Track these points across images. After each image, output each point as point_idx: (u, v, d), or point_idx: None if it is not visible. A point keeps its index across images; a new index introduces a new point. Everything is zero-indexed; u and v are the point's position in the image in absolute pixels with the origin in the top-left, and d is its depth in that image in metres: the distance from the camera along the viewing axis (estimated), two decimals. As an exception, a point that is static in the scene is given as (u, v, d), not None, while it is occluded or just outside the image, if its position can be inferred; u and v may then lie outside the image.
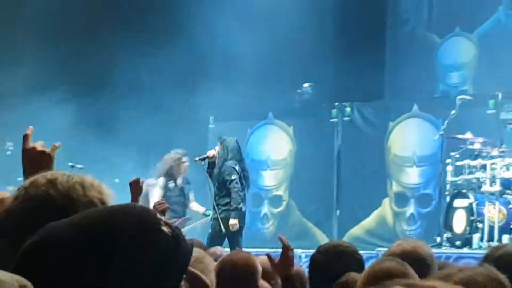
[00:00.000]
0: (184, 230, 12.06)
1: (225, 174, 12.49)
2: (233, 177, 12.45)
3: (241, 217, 11.87)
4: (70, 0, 16.87)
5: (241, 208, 11.79)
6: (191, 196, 13.28)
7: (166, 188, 12.89)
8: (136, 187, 5.86)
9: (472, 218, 11.60)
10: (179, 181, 13.10)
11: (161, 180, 12.88)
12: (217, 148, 12.79)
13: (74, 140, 15.15)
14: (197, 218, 13.18)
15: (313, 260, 4.70)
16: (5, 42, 16.84)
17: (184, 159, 13.15)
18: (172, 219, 12.01)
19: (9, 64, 16.14)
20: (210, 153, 12.85)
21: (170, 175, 12.86)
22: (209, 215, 12.72)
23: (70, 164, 13.05)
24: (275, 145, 16.36)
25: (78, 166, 13.01)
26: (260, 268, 4.61)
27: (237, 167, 12.57)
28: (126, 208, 1.69)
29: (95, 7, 16.99)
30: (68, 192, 2.22)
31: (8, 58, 16.52)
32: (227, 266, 4.48)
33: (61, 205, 2.17)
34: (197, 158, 13.10)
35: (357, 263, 4.41)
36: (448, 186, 12.64)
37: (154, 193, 12.90)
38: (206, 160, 12.87)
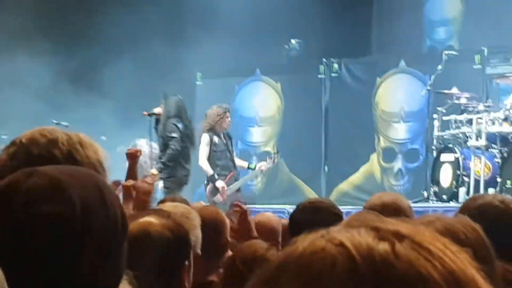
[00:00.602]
0: (237, 184, 12.17)
1: (167, 131, 12.60)
2: (173, 135, 12.53)
3: (181, 175, 12.01)
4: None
5: (170, 165, 11.83)
6: (234, 151, 13.19)
7: (211, 143, 12.65)
8: (133, 158, 6.04)
9: (458, 172, 11.66)
10: (222, 136, 12.91)
11: (206, 137, 12.62)
12: (163, 105, 13.00)
13: (57, 96, 15.24)
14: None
15: (291, 218, 4.72)
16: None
17: (228, 114, 12.99)
18: (221, 175, 12.26)
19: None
20: (157, 110, 12.92)
21: (213, 130, 12.60)
22: (254, 168, 12.86)
23: (54, 121, 12.86)
24: (263, 101, 16.39)
25: (63, 123, 12.73)
26: (228, 224, 4.65)
27: (179, 125, 12.65)
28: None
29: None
30: (70, 152, 2.20)
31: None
32: None
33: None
34: (145, 113, 13.16)
35: (335, 218, 4.39)
36: (435, 141, 12.71)
37: (200, 151, 12.70)
38: (153, 117, 12.97)
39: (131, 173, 5.96)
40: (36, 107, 14.97)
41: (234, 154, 13.02)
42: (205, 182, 12.74)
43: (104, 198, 1.66)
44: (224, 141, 12.71)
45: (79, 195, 1.61)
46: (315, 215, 4.59)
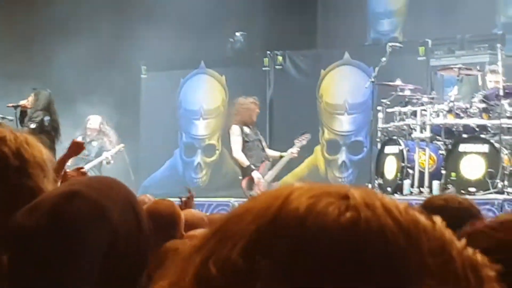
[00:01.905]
0: (271, 174, 12.22)
1: (33, 123, 12.61)
2: (31, 126, 12.55)
3: None
4: None
5: None
6: (263, 142, 13.24)
7: (243, 134, 12.73)
8: (76, 149, 6.04)
9: (403, 164, 11.75)
10: (252, 127, 13.04)
11: (237, 129, 12.71)
12: (30, 98, 12.92)
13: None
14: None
15: None
16: None
17: (258, 106, 13.11)
18: (254, 166, 12.41)
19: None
20: (22, 102, 12.89)
21: (243, 122, 12.71)
22: (284, 155, 12.85)
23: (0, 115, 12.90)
24: (207, 94, 16.51)
25: (9, 118, 12.86)
26: (183, 217, 4.63)
27: (46, 118, 12.70)
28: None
29: None
30: (19, 150, 2.21)
31: None
32: (151, 214, 4.43)
33: (16, 165, 2.18)
34: (10, 105, 13.06)
35: None
36: (379, 133, 12.77)
37: (233, 143, 12.81)
38: (19, 109, 12.91)
39: (67, 157, 5.91)
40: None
41: (264, 144, 13.08)
42: (240, 175, 12.78)
43: (139, 218, 1.76)
44: (254, 131, 12.84)
45: (119, 219, 1.69)
46: None
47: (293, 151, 12.74)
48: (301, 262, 0.83)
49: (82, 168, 5.69)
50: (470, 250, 0.89)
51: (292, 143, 12.91)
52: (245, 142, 12.63)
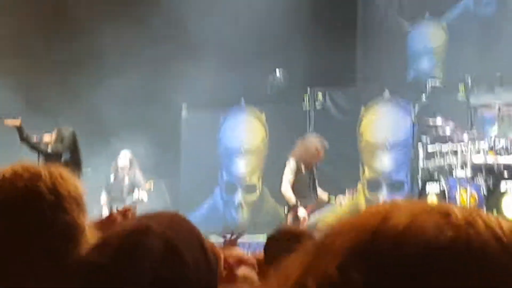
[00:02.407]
0: (315, 218, 11.68)
1: (50, 158, 12.47)
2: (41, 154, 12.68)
3: None
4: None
5: None
6: (316, 181, 12.73)
7: (297, 170, 12.23)
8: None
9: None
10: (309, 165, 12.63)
11: (293, 163, 12.24)
12: (53, 135, 12.81)
13: (47, 116, 14.59)
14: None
15: (266, 249, 4.56)
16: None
17: (323, 151, 12.53)
18: (301, 201, 11.91)
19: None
20: (46, 139, 12.85)
21: (303, 159, 12.21)
22: (333, 202, 12.47)
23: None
24: (247, 132, 16.41)
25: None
26: (221, 257, 4.67)
27: (64, 155, 12.63)
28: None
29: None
30: (54, 186, 2.21)
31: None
32: None
33: (52, 200, 2.16)
34: (7, 122, 12.96)
35: None
36: (420, 172, 12.63)
37: (285, 175, 12.41)
38: (46, 145, 12.90)
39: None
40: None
41: (317, 183, 12.61)
42: (286, 210, 12.44)
43: (207, 254, 1.76)
44: (309, 170, 12.41)
45: (190, 255, 1.69)
46: (292, 244, 4.19)
47: (343, 201, 12.40)
48: (393, 280, 0.82)
49: (128, 209, 5.52)
50: None
51: (333, 182, 12.74)
52: (297, 179, 12.17)
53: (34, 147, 12.82)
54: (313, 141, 12.31)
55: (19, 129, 12.83)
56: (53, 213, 2.15)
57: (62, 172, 2.30)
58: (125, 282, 1.64)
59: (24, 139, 12.82)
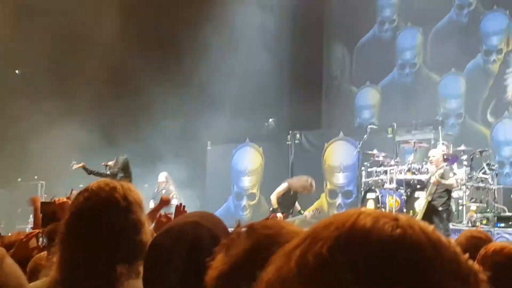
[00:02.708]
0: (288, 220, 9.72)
1: (109, 177, 11.40)
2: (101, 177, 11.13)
3: None
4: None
5: None
6: (297, 202, 11.44)
7: (286, 193, 11.14)
8: (165, 202, 5.23)
9: (378, 205, 11.38)
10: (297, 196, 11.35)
11: (285, 186, 11.13)
12: (113, 161, 12.27)
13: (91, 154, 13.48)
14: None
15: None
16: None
17: (312, 190, 11.32)
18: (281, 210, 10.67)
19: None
20: (110, 163, 12.29)
21: (294, 189, 11.09)
22: (302, 213, 11.22)
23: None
24: (250, 159, 15.89)
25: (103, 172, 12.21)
26: None
27: (119, 175, 11.87)
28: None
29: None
30: (126, 195, 2.10)
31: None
32: None
33: (124, 206, 2.05)
34: (103, 163, 12.38)
35: None
36: (363, 185, 12.32)
37: (277, 190, 11.27)
38: (108, 168, 12.30)
39: (157, 209, 4.97)
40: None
41: (297, 205, 11.35)
42: (270, 211, 11.27)
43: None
44: (294, 194, 11.22)
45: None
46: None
47: (307, 214, 11.16)
48: (365, 262, 0.77)
49: (170, 214, 4.95)
50: (470, 260, 0.82)
51: (307, 197, 11.98)
52: (283, 197, 11.15)
53: (98, 174, 11.99)
54: (303, 182, 11.12)
55: (85, 168, 12.23)
56: (125, 214, 2.04)
57: (130, 185, 2.21)
58: (184, 260, 1.49)
59: (90, 172, 12.17)
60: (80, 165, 12.30)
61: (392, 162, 11.55)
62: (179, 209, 4.46)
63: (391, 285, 0.75)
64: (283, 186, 11.11)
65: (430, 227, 0.80)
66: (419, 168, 11.18)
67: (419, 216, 9.60)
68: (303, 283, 0.78)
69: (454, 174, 10.32)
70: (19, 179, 15.38)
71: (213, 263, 1.17)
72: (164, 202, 5.18)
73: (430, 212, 9.77)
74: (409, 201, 11.07)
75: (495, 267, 2.54)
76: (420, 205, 10.52)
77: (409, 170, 11.31)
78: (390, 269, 0.76)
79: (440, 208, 9.82)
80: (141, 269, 1.68)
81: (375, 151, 12.02)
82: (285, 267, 0.80)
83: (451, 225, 10.21)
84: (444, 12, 15.16)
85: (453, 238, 3.63)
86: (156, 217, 4.27)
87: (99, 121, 14.61)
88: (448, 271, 0.78)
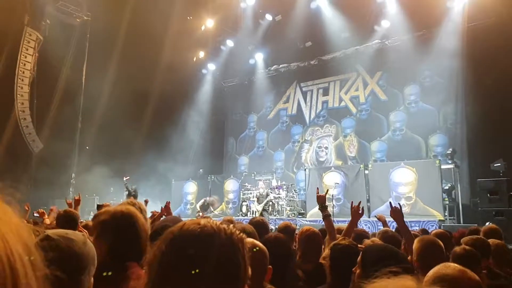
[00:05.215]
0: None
1: (127, 191, 13.37)
2: (126, 193, 13.29)
3: None
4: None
5: None
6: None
7: (203, 204, 12.80)
8: (166, 210, 5.43)
9: (248, 208, 13.46)
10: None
11: (202, 200, 12.57)
12: (132, 187, 13.73)
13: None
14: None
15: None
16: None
17: (201, 214, 12.54)
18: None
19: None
20: (132, 189, 13.69)
21: (208, 202, 12.99)
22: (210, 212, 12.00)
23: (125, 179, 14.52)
24: (191, 189, 17.84)
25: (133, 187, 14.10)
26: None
27: (135, 190, 13.45)
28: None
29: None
30: (140, 209, 2.54)
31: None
32: None
33: (142, 218, 2.38)
34: (125, 178, 14.36)
35: None
36: (241, 199, 15.23)
37: (199, 203, 13.23)
38: (129, 185, 14.05)
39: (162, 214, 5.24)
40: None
41: (211, 207, 12.91)
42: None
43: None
44: (208, 205, 12.78)
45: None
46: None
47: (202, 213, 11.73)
48: (179, 251, 0.87)
49: (157, 212, 5.72)
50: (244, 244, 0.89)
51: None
52: (202, 206, 12.25)
53: (127, 189, 13.92)
54: (216, 198, 12.75)
55: (125, 184, 14.43)
56: (143, 224, 2.31)
57: (141, 204, 2.72)
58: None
59: (125, 186, 14.21)
60: (127, 177, 13.58)
61: (253, 189, 15.90)
62: (167, 206, 5.31)
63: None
64: (202, 200, 14.72)
65: (230, 227, 0.96)
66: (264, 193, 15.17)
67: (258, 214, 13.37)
68: (157, 262, 1.00)
69: (278, 194, 14.14)
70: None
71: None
72: (165, 209, 5.46)
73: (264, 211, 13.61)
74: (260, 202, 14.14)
75: (303, 241, 3.27)
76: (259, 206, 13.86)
77: (256, 194, 15.17)
78: (194, 261, 0.94)
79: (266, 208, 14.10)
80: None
81: (246, 184, 16.46)
82: (154, 252, 1.04)
83: (274, 217, 13.13)
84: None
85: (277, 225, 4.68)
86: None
87: (122, 154, 16.42)
88: (225, 249, 0.99)
